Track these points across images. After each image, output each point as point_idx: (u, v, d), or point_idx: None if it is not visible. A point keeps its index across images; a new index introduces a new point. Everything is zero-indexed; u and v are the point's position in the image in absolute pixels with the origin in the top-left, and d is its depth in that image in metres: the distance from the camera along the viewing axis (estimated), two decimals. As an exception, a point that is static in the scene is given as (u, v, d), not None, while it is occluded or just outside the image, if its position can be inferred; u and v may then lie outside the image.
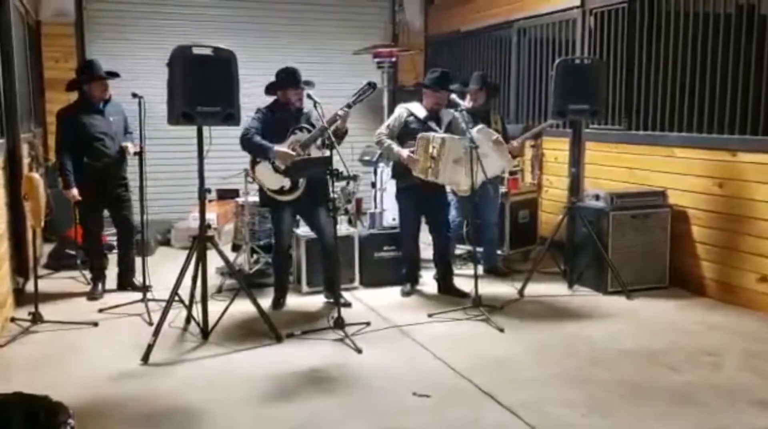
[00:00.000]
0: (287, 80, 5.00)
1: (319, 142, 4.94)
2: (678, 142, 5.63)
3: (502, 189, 6.24)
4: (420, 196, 5.36)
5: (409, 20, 9.32)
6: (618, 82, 6.28)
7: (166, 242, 7.37)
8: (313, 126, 4.95)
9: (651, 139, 5.91)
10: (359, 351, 4.20)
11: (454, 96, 5.23)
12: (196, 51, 4.17)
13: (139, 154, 5.21)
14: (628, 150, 6.13)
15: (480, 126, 5.36)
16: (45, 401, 1.95)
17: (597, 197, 5.63)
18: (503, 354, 4.23)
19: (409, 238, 5.52)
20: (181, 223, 7.42)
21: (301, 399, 3.60)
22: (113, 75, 5.33)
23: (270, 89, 5.07)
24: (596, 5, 6.45)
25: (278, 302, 5.16)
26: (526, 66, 7.59)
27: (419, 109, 5.38)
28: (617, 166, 6.23)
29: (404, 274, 5.60)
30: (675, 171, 5.65)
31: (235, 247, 6.05)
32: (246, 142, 4.92)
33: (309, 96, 4.79)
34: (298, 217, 5.33)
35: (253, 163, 5.07)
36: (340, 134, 4.88)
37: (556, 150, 6.92)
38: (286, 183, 4.97)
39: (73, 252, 6.14)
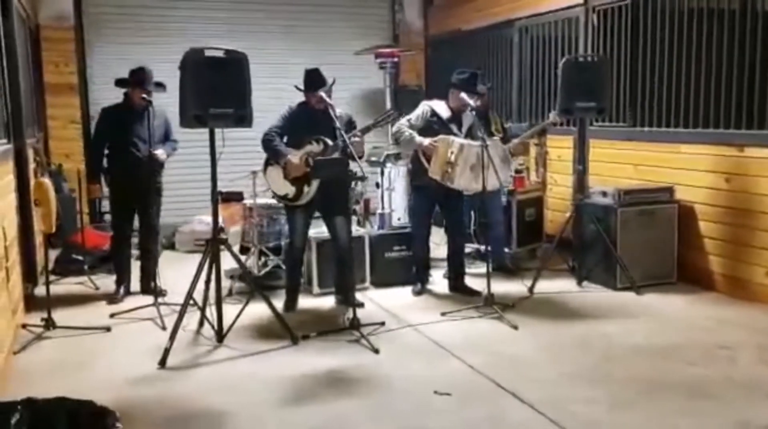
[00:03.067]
0: (306, 83, 4.92)
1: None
2: (684, 137, 5.65)
3: (507, 187, 6.25)
4: (434, 196, 5.37)
5: (409, 20, 9.33)
6: (622, 78, 6.30)
7: (171, 246, 7.34)
8: (334, 134, 4.75)
9: (656, 135, 5.94)
10: (376, 351, 4.20)
11: (463, 95, 5.19)
12: (208, 53, 4.16)
13: (150, 158, 5.19)
14: (634, 147, 6.14)
15: (495, 138, 5.35)
16: (90, 405, 1.94)
17: (604, 194, 5.65)
18: (520, 352, 4.25)
19: (419, 238, 5.54)
20: (185, 227, 7.40)
21: (323, 401, 3.60)
22: (159, 86, 5.28)
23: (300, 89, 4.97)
24: (599, 3, 6.46)
25: (290, 304, 5.13)
26: (528, 65, 7.60)
27: (443, 109, 5.33)
28: (622, 163, 6.24)
29: (415, 274, 5.60)
30: (681, 167, 5.67)
31: (243, 250, 6.03)
32: (263, 144, 4.92)
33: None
34: (315, 216, 5.23)
35: (267, 164, 5.06)
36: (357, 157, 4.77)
37: (560, 148, 6.94)
38: (291, 191, 4.95)
39: (80, 257, 6.12)
